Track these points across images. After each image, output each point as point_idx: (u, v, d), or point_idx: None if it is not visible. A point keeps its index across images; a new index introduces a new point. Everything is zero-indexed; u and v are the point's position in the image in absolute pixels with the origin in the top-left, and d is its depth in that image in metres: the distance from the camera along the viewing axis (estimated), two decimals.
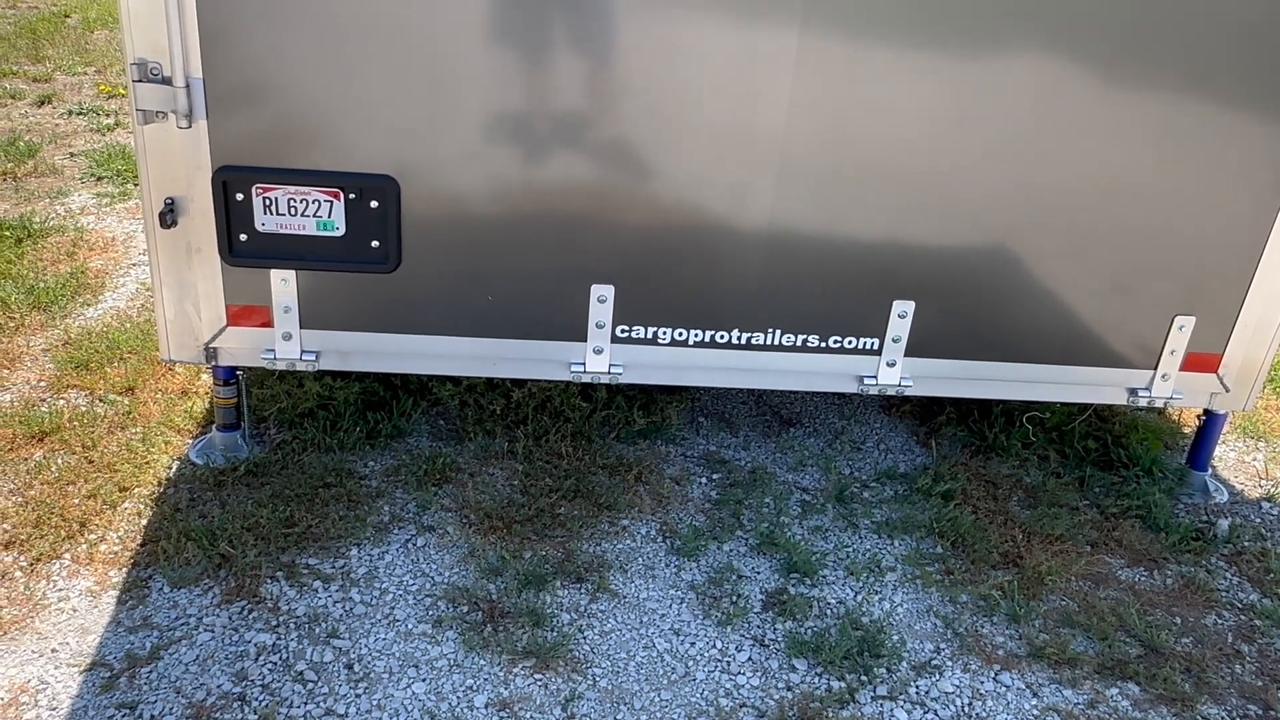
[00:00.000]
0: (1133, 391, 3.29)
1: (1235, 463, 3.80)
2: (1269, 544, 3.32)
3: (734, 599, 2.88)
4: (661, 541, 3.09)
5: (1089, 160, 2.92)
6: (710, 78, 2.75)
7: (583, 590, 2.87)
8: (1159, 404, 3.30)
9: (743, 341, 3.09)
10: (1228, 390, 3.31)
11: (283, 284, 2.92)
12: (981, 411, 3.79)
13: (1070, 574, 3.08)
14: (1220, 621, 2.98)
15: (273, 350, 2.99)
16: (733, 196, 2.90)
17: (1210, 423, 3.51)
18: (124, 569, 2.79)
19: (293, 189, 2.79)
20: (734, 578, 2.96)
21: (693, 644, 2.73)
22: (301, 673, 2.53)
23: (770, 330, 3.09)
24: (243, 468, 3.17)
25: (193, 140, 2.70)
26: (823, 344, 3.12)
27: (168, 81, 2.62)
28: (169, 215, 2.76)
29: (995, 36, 2.75)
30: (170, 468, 3.20)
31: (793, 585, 2.96)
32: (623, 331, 3.06)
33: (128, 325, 3.99)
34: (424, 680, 2.54)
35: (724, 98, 2.77)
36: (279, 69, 2.65)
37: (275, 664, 2.55)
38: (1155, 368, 3.25)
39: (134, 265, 4.55)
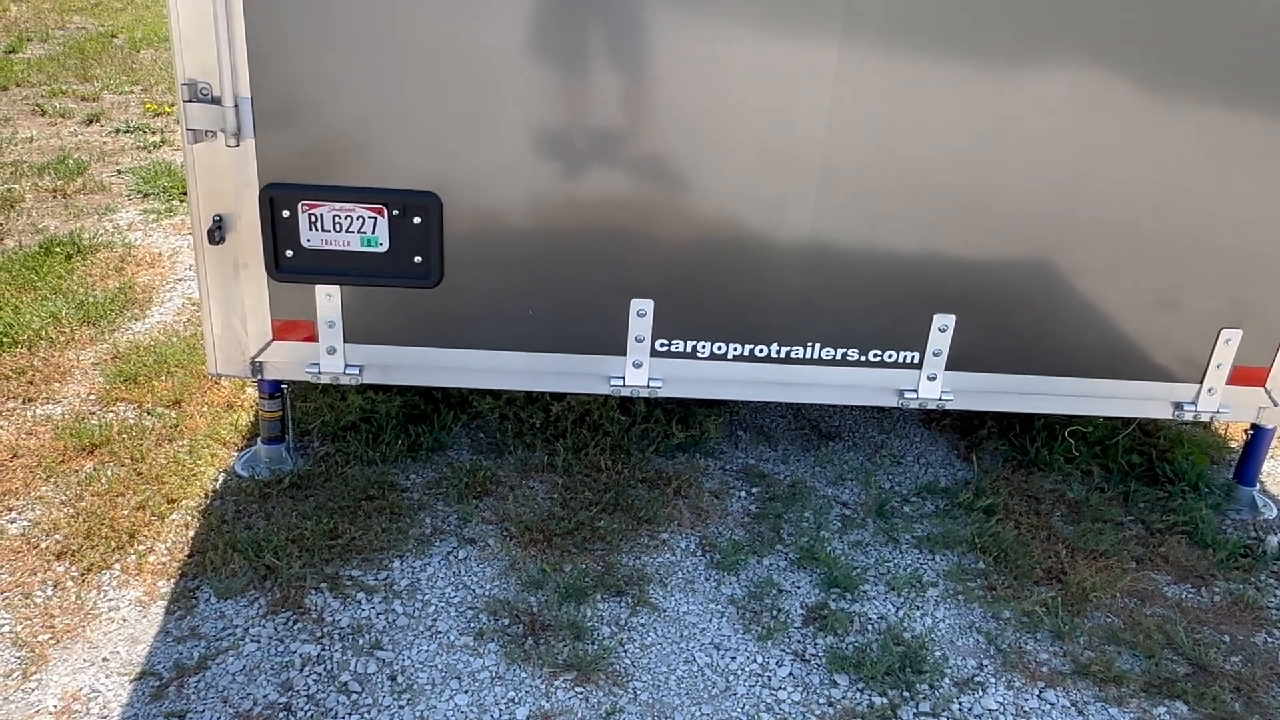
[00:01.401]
0: (1178, 406, 3.24)
1: None
2: None
3: (774, 613, 2.88)
4: (701, 555, 3.09)
5: (1132, 172, 2.90)
6: (750, 92, 2.76)
7: (623, 604, 2.87)
8: (1205, 418, 3.26)
9: (782, 355, 3.09)
10: (1276, 404, 3.26)
11: (327, 299, 2.96)
12: (1023, 425, 3.76)
13: (1115, 590, 3.05)
14: (1271, 640, 2.93)
15: (317, 364, 3.04)
16: (772, 210, 2.91)
17: (1258, 437, 3.45)
18: (172, 579, 2.84)
19: (337, 206, 2.84)
20: (774, 592, 2.96)
21: (733, 658, 2.72)
22: (346, 684, 2.55)
23: (810, 344, 3.09)
24: (287, 480, 3.21)
25: (240, 158, 2.76)
26: (863, 358, 3.11)
27: (217, 101, 2.67)
28: (217, 232, 2.81)
29: (1036, 47, 2.74)
30: (216, 480, 3.25)
31: (833, 600, 2.95)
32: (662, 345, 3.07)
33: (174, 340, 4.06)
34: (466, 692, 2.56)
35: (764, 112, 2.78)
36: (324, 88, 2.70)
37: (320, 675, 2.58)
38: (1201, 381, 3.20)
39: (180, 280, 4.63)
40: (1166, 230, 2.98)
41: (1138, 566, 3.17)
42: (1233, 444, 3.83)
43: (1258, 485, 3.54)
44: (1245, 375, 3.21)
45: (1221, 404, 3.24)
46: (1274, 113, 2.84)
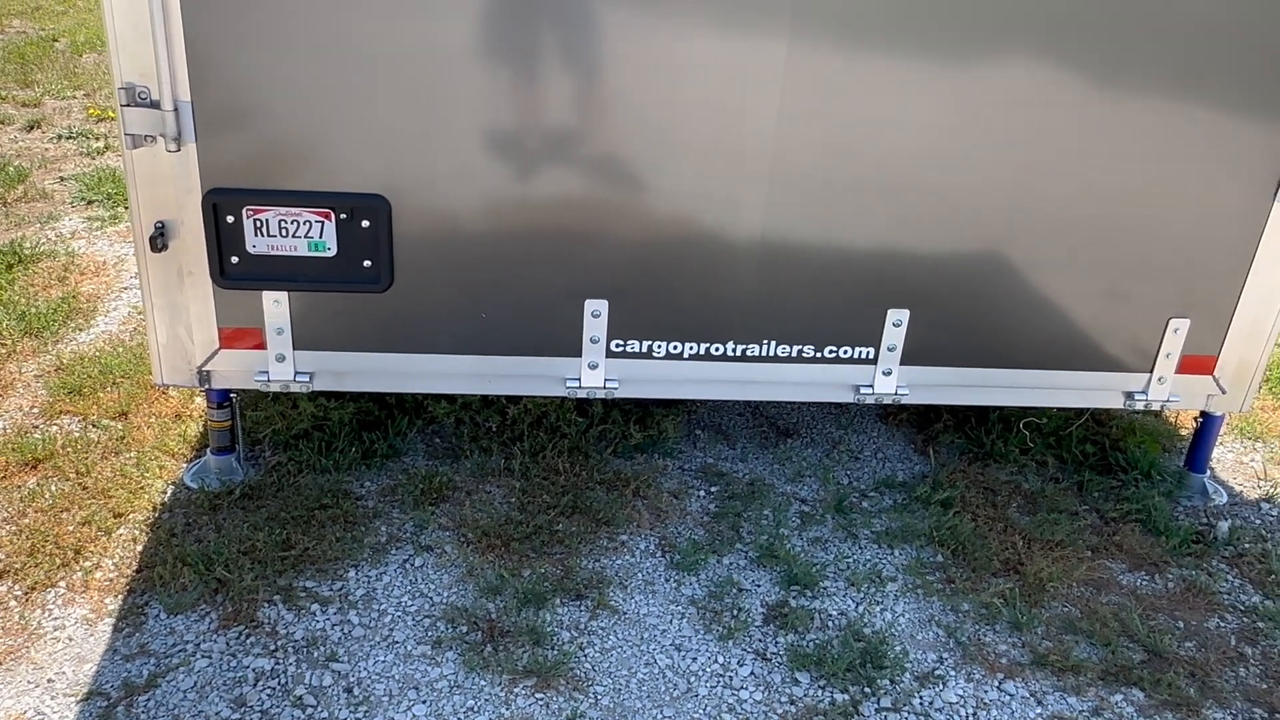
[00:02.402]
0: (1129, 395, 3.28)
1: (1233, 464, 3.79)
2: (1269, 545, 3.31)
3: (735, 613, 2.87)
4: (661, 556, 3.08)
5: (1081, 166, 2.92)
6: (700, 90, 2.74)
7: (582, 607, 2.85)
8: (1156, 407, 3.30)
9: (738, 353, 3.09)
10: (1224, 392, 3.31)
11: (275, 306, 2.90)
12: (979, 418, 3.79)
13: (1072, 580, 3.07)
14: (1223, 625, 2.97)
15: (266, 372, 2.98)
16: (725, 209, 2.90)
17: (1207, 425, 3.50)
18: (120, 596, 2.77)
19: (283, 210, 2.78)
20: (734, 591, 2.95)
21: (694, 659, 2.71)
22: (300, 697, 2.50)
23: (765, 342, 3.08)
24: (238, 491, 3.15)
25: (182, 163, 2.70)
26: (818, 354, 3.11)
27: (156, 105, 2.61)
28: (159, 239, 2.75)
29: (984, 44, 2.75)
30: (165, 492, 3.18)
31: (794, 597, 2.94)
32: (617, 346, 3.05)
33: (120, 350, 3.97)
34: (424, 702, 2.52)
35: (714, 111, 2.77)
36: (267, 90, 2.65)
37: (274, 689, 2.53)
38: (1151, 371, 3.24)
39: (126, 289, 4.53)
40: (1116, 223, 3.01)
41: (1093, 555, 3.20)
42: (1183, 432, 3.88)
43: (1208, 472, 3.59)
44: (1194, 364, 3.26)
45: (1171, 393, 3.28)
46: (1219, 106, 2.88)
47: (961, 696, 2.66)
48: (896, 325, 3.08)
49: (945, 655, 2.78)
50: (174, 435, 3.45)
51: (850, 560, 3.11)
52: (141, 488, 3.18)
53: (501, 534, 3.07)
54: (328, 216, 2.80)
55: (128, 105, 2.61)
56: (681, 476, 3.47)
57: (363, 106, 2.69)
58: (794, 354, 3.10)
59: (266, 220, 2.79)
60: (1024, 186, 2.93)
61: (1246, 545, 3.30)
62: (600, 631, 2.77)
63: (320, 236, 2.83)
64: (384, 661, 2.63)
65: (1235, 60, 2.82)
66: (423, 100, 2.70)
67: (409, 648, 2.68)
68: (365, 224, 2.81)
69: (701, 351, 3.08)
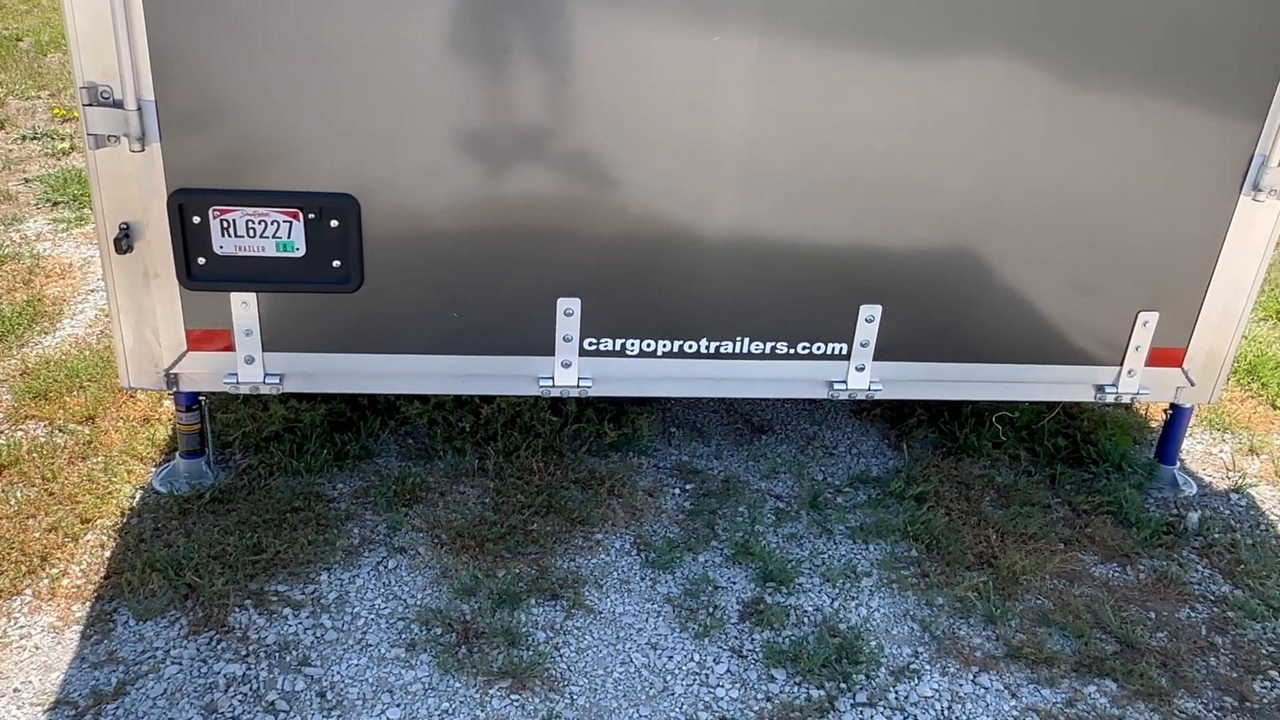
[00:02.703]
0: (1100, 388, 3.30)
1: (1203, 455, 3.83)
2: (1238, 535, 3.34)
3: (710, 610, 2.87)
4: (636, 555, 3.07)
5: (1050, 162, 2.93)
6: (671, 89, 2.73)
7: (558, 607, 2.83)
8: (1126, 399, 3.32)
9: (711, 350, 3.08)
10: (1193, 384, 3.34)
11: (243, 307, 2.87)
12: (952, 413, 3.80)
13: (1045, 572, 3.09)
14: (1194, 615, 3.00)
15: (235, 374, 2.95)
16: (697, 206, 2.89)
17: (1177, 416, 3.53)
18: (87, 603, 2.73)
19: (250, 210, 2.75)
20: (710, 589, 2.94)
21: (670, 658, 2.70)
22: (273, 703, 2.48)
23: (738, 338, 3.08)
24: (208, 495, 3.11)
25: (146, 164, 2.66)
26: (791, 350, 3.11)
27: (119, 105, 2.57)
28: (124, 240, 2.71)
29: (953, 41, 2.76)
30: (133, 497, 3.14)
31: (769, 594, 2.94)
32: (590, 344, 3.03)
33: (87, 353, 3.92)
34: (399, 705, 2.50)
35: (685, 108, 2.76)
36: (233, 89, 2.61)
37: (246, 695, 2.50)
38: (1121, 364, 3.26)
39: (92, 291, 4.47)
40: (1084, 217, 3.02)
41: (1066, 548, 3.23)
42: (1153, 424, 3.91)
43: (1178, 463, 3.63)
44: (1163, 356, 3.28)
45: (1141, 385, 3.30)
46: (1185, 101, 2.90)
47: (937, 690, 2.67)
48: (869, 321, 3.09)
49: (920, 649, 2.79)
50: (142, 439, 3.40)
51: (825, 556, 3.12)
52: (109, 493, 3.14)
53: (476, 535, 3.05)
54: (296, 216, 2.77)
55: (90, 105, 2.57)
56: (656, 474, 3.46)
57: (330, 105, 2.66)
58: (767, 350, 3.10)
59: (233, 221, 2.75)
60: (994, 182, 2.94)
61: (1216, 535, 3.33)
62: (576, 631, 2.76)
63: (288, 237, 2.80)
64: (357, 665, 2.60)
65: (1201, 56, 2.84)
66: (391, 99, 2.67)
67: (383, 651, 2.65)
68: (334, 224, 2.78)
69: (675, 349, 3.07)
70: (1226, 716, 2.65)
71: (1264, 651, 2.87)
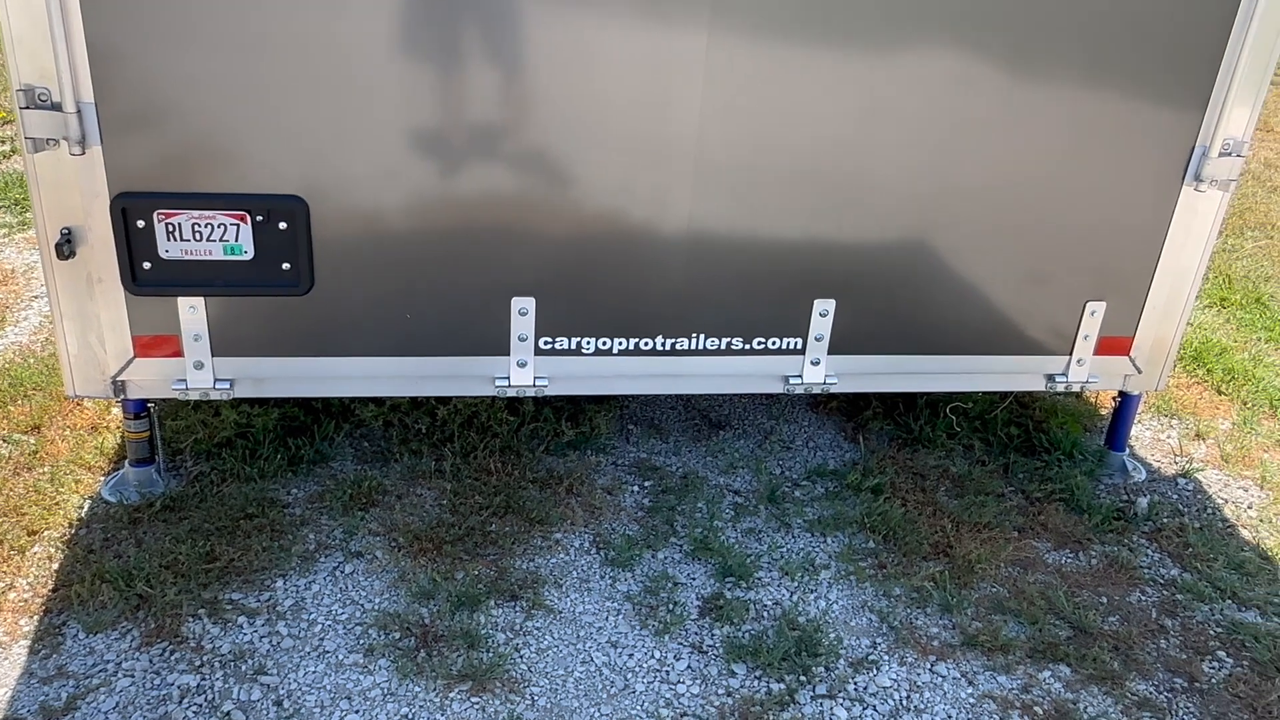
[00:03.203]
0: (1050, 377, 3.35)
1: (1151, 441, 3.90)
2: (1186, 519, 3.41)
3: (670, 607, 2.87)
4: (595, 553, 3.06)
5: (996, 154, 2.97)
6: (622, 85, 2.73)
7: (517, 608, 2.82)
8: (1076, 388, 3.38)
9: (667, 348, 3.08)
10: (1140, 371, 3.40)
11: (191, 312, 2.82)
12: (907, 405, 3.84)
13: (999, 560, 3.13)
14: (1144, 598, 3.06)
15: (184, 380, 2.90)
16: (650, 203, 2.89)
17: (1125, 404, 3.59)
18: (35, 617, 2.67)
19: (196, 213, 2.71)
20: (669, 585, 2.95)
21: (631, 655, 2.70)
22: (229, 713, 2.44)
23: (694, 335, 3.08)
24: (159, 503, 3.06)
25: (87, 167, 2.60)
26: (747, 346, 3.12)
27: (57, 108, 2.52)
28: (66, 246, 2.65)
29: (902, 31, 2.78)
30: (82, 508, 3.07)
31: (728, 589, 2.95)
32: (546, 344, 3.02)
33: (31, 361, 3.83)
34: (357, 712, 2.48)
35: (637, 105, 2.76)
36: (176, 90, 2.57)
37: (200, 705, 2.46)
38: (1070, 353, 3.31)
39: (36, 298, 4.37)
40: (1032, 209, 3.06)
41: (1020, 536, 3.27)
42: (1103, 412, 3.98)
43: (1127, 450, 3.69)
44: (1111, 345, 3.33)
45: (1090, 374, 3.35)
46: (1128, 93, 2.94)
47: (895, 680, 2.69)
48: (823, 315, 3.11)
49: (878, 640, 2.82)
50: (90, 448, 3.34)
51: (784, 550, 3.14)
52: (57, 504, 3.07)
53: (433, 537, 3.03)
54: (243, 219, 2.73)
55: (27, 108, 2.52)
56: (615, 472, 3.46)
57: (276, 105, 2.62)
58: (722, 346, 3.11)
59: (179, 224, 2.71)
60: (942, 175, 2.97)
61: (1165, 520, 3.39)
62: (536, 632, 2.75)
63: (236, 240, 2.75)
64: (315, 672, 2.58)
65: (1142, 48, 2.89)
66: (339, 98, 2.64)
67: (340, 657, 2.63)
68: (283, 226, 2.75)
69: (630, 346, 3.07)
70: (1177, 697, 2.70)
71: (1212, 633, 2.93)
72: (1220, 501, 3.55)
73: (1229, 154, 3.04)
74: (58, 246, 2.64)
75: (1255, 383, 4.25)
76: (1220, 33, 2.91)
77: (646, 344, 3.07)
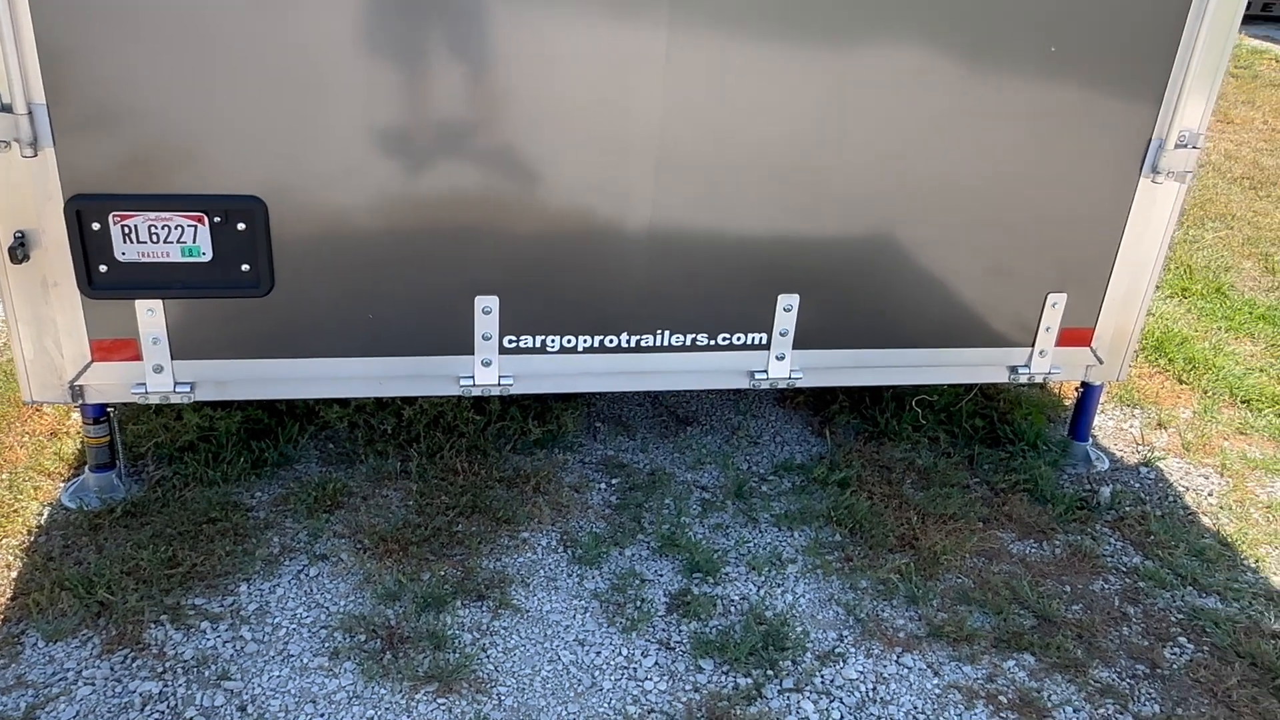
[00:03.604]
0: (1013, 369, 3.38)
1: (1114, 431, 3.94)
2: (1148, 508, 3.45)
3: (638, 604, 2.87)
4: (563, 552, 3.06)
5: (956, 148, 2.99)
6: (583, 83, 2.72)
7: (484, 608, 2.81)
8: (1039, 379, 3.41)
9: (632, 344, 3.08)
10: (1101, 362, 3.43)
11: (149, 315, 2.79)
12: (873, 398, 3.86)
13: (964, 551, 3.15)
14: (1107, 586, 3.09)
15: (144, 384, 2.87)
16: (613, 201, 2.88)
17: (1088, 394, 3.63)
18: None
19: (153, 215, 2.68)
20: (637, 582, 2.95)
21: (598, 653, 2.70)
22: (191, 719, 2.42)
23: (659, 331, 3.08)
24: (120, 509, 3.02)
25: (40, 169, 2.57)
26: (712, 342, 3.13)
27: (8, 109, 2.48)
28: (19, 249, 2.62)
29: (862, 30, 2.79)
30: (41, 514, 3.03)
31: (696, 585, 2.96)
32: (510, 342, 3.01)
33: None
34: (322, 715, 2.46)
35: (598, 103, 2.75)
36: (129, 90, 2.54)
37: (163, 713, 2.43)
38: (1033, 345, 3.34)
39: None
40: (992, 202, 3.09)
41: (984, 526, 3.30)
42: (1067, 402, 4.02)
43: (1090, 440, 3.73)
44: (1072, 336, 3.37)
45: (1052, 365, 3.38)
46: (1085, 85, 2.97)
47: (861, 672, 2.70)
48: (787, 310, 3.11)
49: (845, 633, 2.83)
50: (49, 454, 3.29)
51: (751, 545, 3.14)
52: (15, 511, 3.03)
53: (399, 538, 3.01)
54: (200, 220, 2.70)
55: None
56: (582, 470, 3.45)
57: (233, 105, 2.59)
58: (688, 343, 3.11)
59: (135, 226, 2.68)
60: (903, 169, 2.99)
61: (1127, 508, 3.43)
62: (503, 631, 2.75)
63: (194, 241, 2.72)
64: (279, 676, 2.56)
65: (1099, 42, 2.92)
66: (297, 98, 2.62)
67: (305, 660, 2.61)
68: (241, 227, 2.72)
69: (595, 344, 3.06)
70: (1139, 683, 2.73)
71: (1173, 619, 2.97)
72: (1181, 489, 3.59)
73: (1185, 146, 3.08)
74: (11, 250, 2.61)
75: (1216, 371, 4.31)
76: (1175, 26, 2.95)
77: (611, 341, 3.07)
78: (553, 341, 3.04)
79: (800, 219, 3.00)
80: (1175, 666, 2.80)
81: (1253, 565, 3.21)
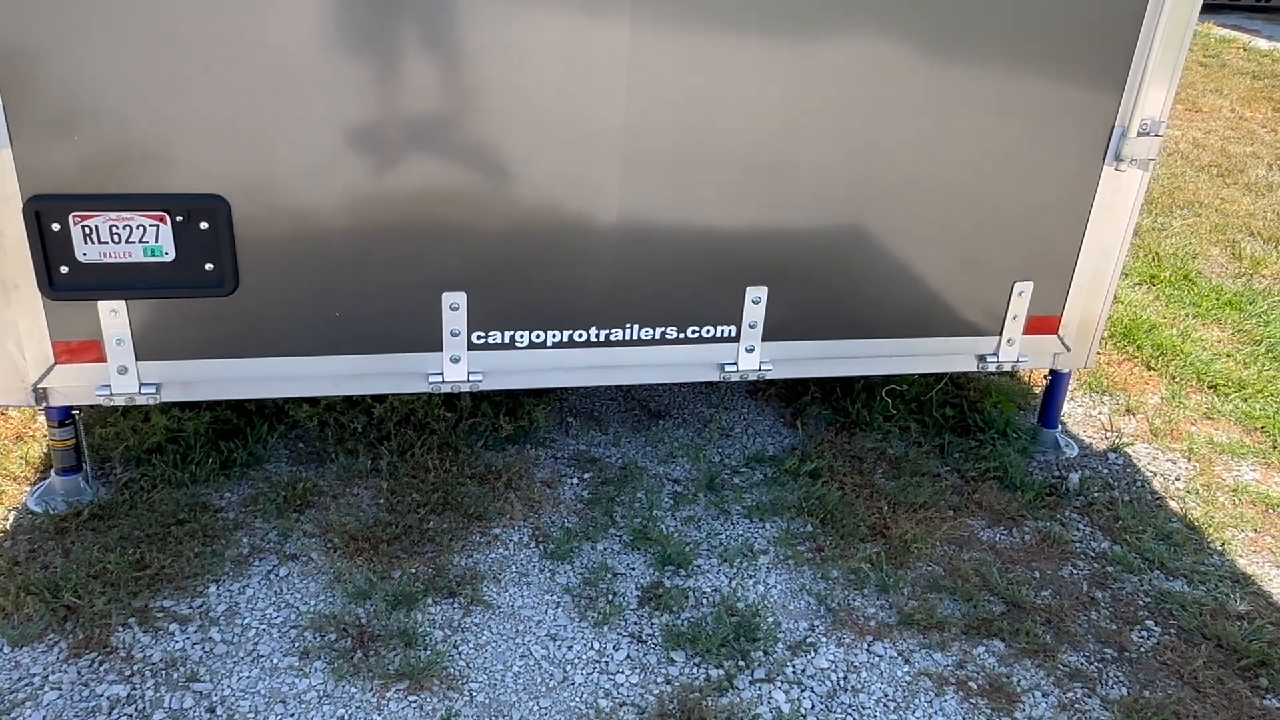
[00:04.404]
0: (981, 358, 3.40)
1: (1083, 418, 3.98)
2: (1116, 493, 3.48)
3: (610, 598, 2.87)
4: (534, 547, 3.06)
5: (923, 138, 3.00)
6: (547, 78, 2.72)
7: (455, 605, 2.81)
8: (1007, 368, 3.43)
9: (601, 339, 3.08)
10: (1069, 349, 3.45)
11: (113, 315, 2.77)
12: (844, 389, 3.87)
13: (935, 540, 3.17)
14: (1076, 571, 3.12)
15: (108, 386, 2.84)
16: (579, 195, 2.88)
17: (1056, 382, 3.66)
18: None
19: (114, 215, 2.65)
20: (609, 576, 2.95)
21: (570, 648, 2.70)
22: None
23: (628, 325, 3.08)
24: (86, 512, 3.00)
25: None
26: (681, 335, 3.13)
27: None
28: None
29: (826, 22, 2.80)
30: (6, 519, 3.00)
31: (668, 578, 2.96)
32: (479, 338, 3.00)
33: None
34: (292, 716, 2.45)
35: (563, 98, 2.75)
36: (87, 88, 2.51)
37: (131, 716, 2.42)
38: (1000, 333, 3.36)
39: None
40: (958, 191, 3.10)
41: (955, 514, 3.32)
42: (1036, 390, 4.04)
43: (1059, 427, 3.76)
44: (1040, 324, 3.39)
45: (1020, 353, 3.41)
46: (1047, 73, 2.99)
47: (833, 662, 2.72)
48: (756, 302, 3.12)
49: (816, 623, 2.84)
50: (14, 458, 3.26)
51: (722, 537, 3.15)
52: None
53: (370, 536, 3.00)
54: (163, 220, 2.68)
55: None
56: (554, 465, 3.45)
57: (195, 103, 2.57)
58: (657, 336, 3.11)
59: (96, 226, 2.65)
60: (868, 160, 3.00)
61: (1096, 494, 3.46)
62: (474, 628, 2.74)
63: (156, 241, 2.70)
64: (248, 677, 2.54)
65: (1060, 30, 2.94)
66: (260, 95, 2.60)
67: (275, 661, 2.60)
68: (204, 226, 2.70)
69: (565, 339, 3.06)
70: (1107, 667, 2.76)
71: (1140, 603, 3.00)
72: (1149, 474, 3.63)
73: (1147, 134, 3.10)
74: None
75: (1183, 357, 4.35)
76: (1135, 15, 2.97)
77: (581, 336, 3.06)
78: (522, 337, 3.03)
79: (767, 211, 3.00)
80: (1143, 649, 2.82)
81: (1219, 548, 3.25)
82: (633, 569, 2.99)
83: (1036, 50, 2.95)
